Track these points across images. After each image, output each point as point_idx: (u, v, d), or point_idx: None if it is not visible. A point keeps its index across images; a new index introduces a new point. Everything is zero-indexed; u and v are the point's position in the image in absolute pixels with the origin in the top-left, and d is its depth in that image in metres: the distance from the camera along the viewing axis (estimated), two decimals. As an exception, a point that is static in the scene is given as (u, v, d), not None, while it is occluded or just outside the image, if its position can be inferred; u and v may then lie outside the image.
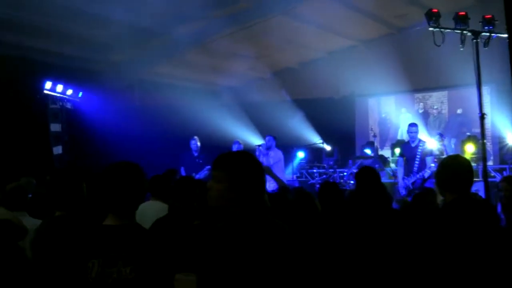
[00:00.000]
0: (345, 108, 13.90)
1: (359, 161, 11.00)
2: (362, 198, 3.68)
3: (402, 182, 8.38)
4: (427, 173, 7.96)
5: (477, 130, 11.97)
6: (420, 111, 13.19)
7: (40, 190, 6.06)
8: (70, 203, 3.44)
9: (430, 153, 8.51)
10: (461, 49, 6.22)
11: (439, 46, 6.17)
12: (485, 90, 12.09)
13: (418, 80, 12.32)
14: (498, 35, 6.14)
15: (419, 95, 13.26)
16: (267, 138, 10.03)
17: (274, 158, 9.78)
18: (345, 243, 3.41)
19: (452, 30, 6.15)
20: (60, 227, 3.32)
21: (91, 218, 3.98)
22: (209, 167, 9.50)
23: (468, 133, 11.97)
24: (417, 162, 8.19)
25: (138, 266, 2.46)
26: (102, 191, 2.65)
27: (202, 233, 2.59)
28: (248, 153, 2.48)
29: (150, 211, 4.66)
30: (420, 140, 8.41)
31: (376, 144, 11.53)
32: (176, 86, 13.21)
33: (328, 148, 12.50)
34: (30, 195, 4.90)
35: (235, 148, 10.33)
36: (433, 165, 8.00)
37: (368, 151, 11.39)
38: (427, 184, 7.89)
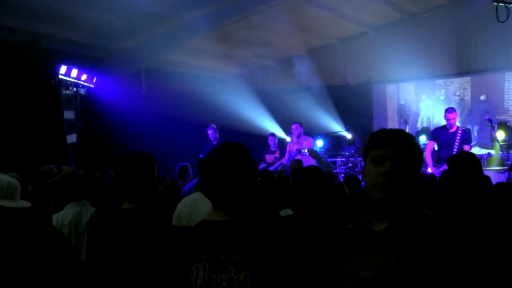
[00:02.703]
0: (362, 95, 13.52)
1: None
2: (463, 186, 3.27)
3: (434, 169, 7.96)
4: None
5: (501, 117, 11.75)
6: (442, 97, 12.79)
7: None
8: (142, 193, 3.00)
9: (469, 141, 8.11)
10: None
11: (503, 22, 5.73)
12: (510, 76, 11.82)
13: (439, 65, 11.96)
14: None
15: (440, 81, 12.85)
16: (294, 126, 9.62)
17: (308, 145, 9.40)
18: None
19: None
20: (134, 222, 2.88)
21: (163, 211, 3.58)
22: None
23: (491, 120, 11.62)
24: (455, 150, 7.76)
25: (256, 272, 1.95)
26: (204, 180, 2.15)
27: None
28: None
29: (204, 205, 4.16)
30: (458, 127, 8.01)
31: (407, 130, 11.12)
32: (185, 73, 12.82)
33: (349, 136, 12.09)
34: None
35: (271, 141, 10.12)
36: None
37: (389, 139, 10.95)
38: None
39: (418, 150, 1.93)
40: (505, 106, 12.00)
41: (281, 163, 9.58)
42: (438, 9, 12.28)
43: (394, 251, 1.81)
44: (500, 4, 5.72)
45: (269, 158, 10.08)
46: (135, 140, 10.58)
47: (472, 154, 3.68)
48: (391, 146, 1.88)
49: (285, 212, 3.67)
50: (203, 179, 2.17)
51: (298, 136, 9.48)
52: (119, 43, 11.18)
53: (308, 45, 13.78)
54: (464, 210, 3.16)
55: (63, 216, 3.91)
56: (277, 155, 10.10)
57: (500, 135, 10.16)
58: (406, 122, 10.93)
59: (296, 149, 9.28)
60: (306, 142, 9.44)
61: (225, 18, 10.93)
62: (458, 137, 7.84)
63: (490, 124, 8.76)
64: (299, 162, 6.47)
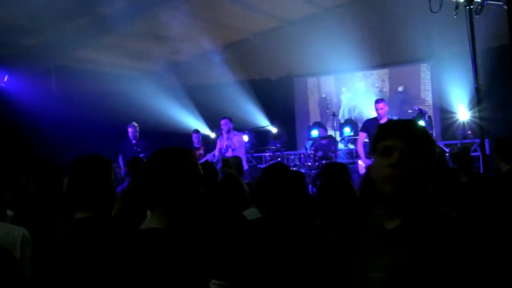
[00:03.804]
0: (283, 89, 13.53)
1: (312, 143, 10.61)
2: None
3: (366, 161, 8.03)
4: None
5: (418, 107, 12.13)
6: (361, 89, 13.03)
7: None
8: (99, 201, 2.69)
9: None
10: (455, 16, 5.86)
11: (435, 13, 5.77)
12: (425, 67, 12.24)
13: (358, 58, 12.08)
14: (490, 1, 5.86)
15: (360, 74, 13.09)
16: (223, 121, 9.31)
17: (238, 141, 9.12)
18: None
19: (448, -5, 5.79)
20: (91, 233, 2.56)
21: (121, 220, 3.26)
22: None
23: (410, 110, 11.97)
24: (386, 141, 7.84)
25: None
26: (144, 185, 2.08)
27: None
28: None
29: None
30: (389, 118, 8.11)
31: (334, 124, 11.19)
32: (99, 72, 12.24)
33: (274, 130, 12.02)
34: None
35: (195, 138, 9.81)
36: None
37: (315, 132, 11.02)
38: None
39: (430, 140, 1.82)
40: (422, 97, 12.43)
41: (207, 160, 9.27)
42: (352, 3, 12.44)
43: (408, 251, 1.68)
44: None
45: None
46: (52, 142, 10.01)
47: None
48: (399, 136, 1.77)
49: (251, 213, 3.44)
50: (138, 184, 2.13)
51: (228, 132, 9.18)
52: (26, 40, 10.47)
53: (224, 40, 13.60)
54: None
55: None
56: (201, 151, 9.82)
57: (421, 124, 10.44)
58: (334, 115, 11.00)
59: (226, 146, 9.00)
60: (236, 137, 9.17)
61: (139, 14, 10.52)
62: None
63: (421, 114, 8.96)
64: (239, 158, 6.23)
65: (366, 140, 8.34)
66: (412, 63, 12.32)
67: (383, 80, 12.91)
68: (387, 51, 12.14)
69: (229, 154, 8.61)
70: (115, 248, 2.22)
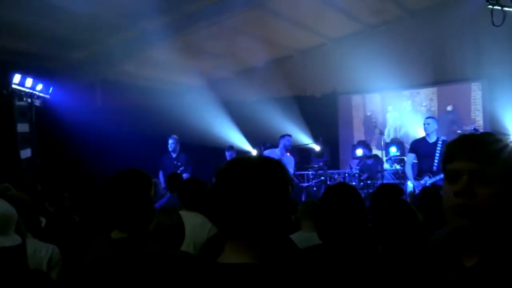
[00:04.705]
0: (327, 106, 13.26)
1: (357, 161, 10.31)
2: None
3: (415, 183, 7.66)
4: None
5: (468, 128, 11.69)
6: (408, 108, 12.65)
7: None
8: (137, 220, 2.49)
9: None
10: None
11: (498, 26, 5.45)
12: (475, 86, 11.81)
13: (405, 76, 11.76)
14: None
15: (407, 92, 12.72)
16: (286, 138, 8.68)
17: (289, 163, 8.49)
18: None
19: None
20: (128, 255, 2.36)
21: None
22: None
23: (459, 131, 11.53)
24: (436, 160, 7.49)
25: None
26: (223, 208, 1.49)
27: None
28: None
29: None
30: (439, 137, 7.75)
31: (382, 142, 10.87)
32: (142, 86, 12.30)
33: (317, 148, 11.75)
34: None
35: (228, 156, 9.53)
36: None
37: (360, 151, 10.73)
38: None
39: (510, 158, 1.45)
40: (472, 117, 11.96)
41: None
42: (397, 20, 12.14)
43: None
44: (496, 7, 5.44)
45: None
46: (95, 155, 10.03)
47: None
48: (468, 156, 1.44)
49: (299, 238, 3.19)
50: (213, 206, 1.55)
51: (287, 151, 8.57)
52: (73, 54, 10.67)
53: (268, 56, 13.46)
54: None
55: None
56: None
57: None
58: (381, 133, 10.69)
59: None
60: (288, 158, 8.57)
61: (182, 29, 10.53)
62: (438, 148, 7.57)
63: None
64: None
65: (415, 161, 7.99)
66: (461, 81, 11.92)
67: (431, 99, 12.49)
68: (435, 69, 11.80)
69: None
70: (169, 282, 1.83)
